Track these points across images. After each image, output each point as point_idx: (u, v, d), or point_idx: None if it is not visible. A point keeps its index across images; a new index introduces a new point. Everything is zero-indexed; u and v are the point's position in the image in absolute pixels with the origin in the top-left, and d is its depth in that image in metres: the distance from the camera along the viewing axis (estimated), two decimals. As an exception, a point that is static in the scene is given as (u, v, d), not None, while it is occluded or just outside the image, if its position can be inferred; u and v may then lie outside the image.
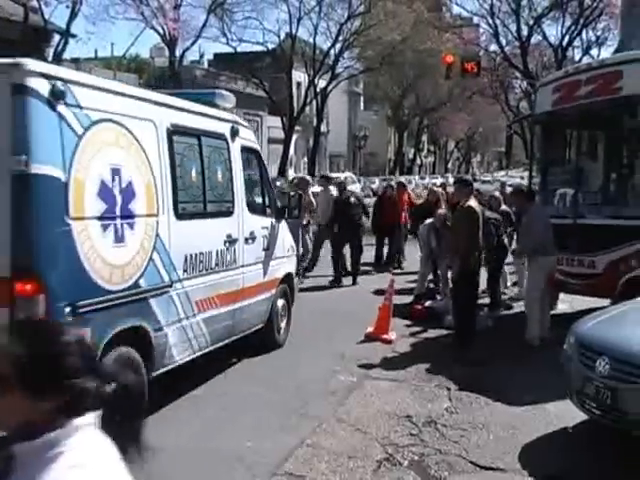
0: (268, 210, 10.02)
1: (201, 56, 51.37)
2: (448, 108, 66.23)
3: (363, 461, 6.20)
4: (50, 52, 26.41)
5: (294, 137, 50.47)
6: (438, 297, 13.06)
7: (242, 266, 8.88)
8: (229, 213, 8.67)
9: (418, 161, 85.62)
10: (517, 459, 6.30)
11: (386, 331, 10.68)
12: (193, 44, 41.55)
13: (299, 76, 50.80)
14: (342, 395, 8.03)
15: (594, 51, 45.57)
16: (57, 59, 25.84)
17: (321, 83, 48.57)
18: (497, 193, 15.71)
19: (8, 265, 5.46)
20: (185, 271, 7.45)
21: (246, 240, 8.99)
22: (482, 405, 7.75)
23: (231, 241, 8.57)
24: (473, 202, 10.50)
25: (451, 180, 40.25)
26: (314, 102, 49.09)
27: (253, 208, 9.39)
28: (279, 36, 46.84)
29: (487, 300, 12.86)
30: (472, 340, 10.30)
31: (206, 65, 51.78)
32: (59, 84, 5.69)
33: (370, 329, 10.79)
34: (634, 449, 6.31)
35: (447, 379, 8.65)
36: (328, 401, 7.81)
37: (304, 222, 15.40)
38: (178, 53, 40.03)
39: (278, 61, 46.30)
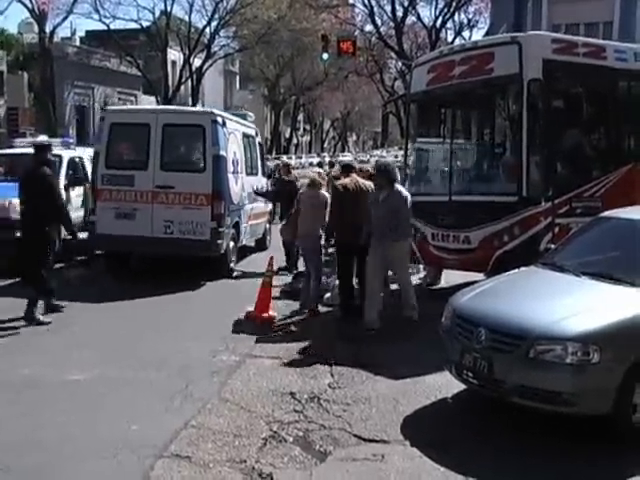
0: (265, 174, 18.26)
1: (73, 33, 49.31)
2: (324, 87, 66.41)
3: (249, 439, 6.20)
4: None
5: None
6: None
7: (258, 202, 16.50)
8: (256, 174, 16.96)
9: (294, 140, 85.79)
10: (399, 430, 6.43)
11: (266, 310, 10.71)
12: (64, 20, 39.94)
13: (174, 55, 49.88)
14: (225, 375, 8.00)
15: (466, 33, 46.74)
16: None
17: (196, 62, 47.83)
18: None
19: (211, 190, 13.14)
20: (246, 199, 15.37)
21: (260, 188, 16.72)
22: (364, 379, 7.88)
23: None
24: (342, 180, 10.88)
25: (327, 159, 40.75)
26: (189, 81, 48.35)
27: (261, 172, 17.62)
28: (154, 13, 45.77)
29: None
30: (356, 314, 10.42)
31: (78, 42, 49.99)
32: (223, 119, 13.90)
33: (250, 308, 10.79)
34: (509, 416, 6.58)
35: (328, 355, 8.73)
36: (211, 381, 7.76)
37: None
38: (48, 29, 38.46)
39: (153, 39, 45.20)
